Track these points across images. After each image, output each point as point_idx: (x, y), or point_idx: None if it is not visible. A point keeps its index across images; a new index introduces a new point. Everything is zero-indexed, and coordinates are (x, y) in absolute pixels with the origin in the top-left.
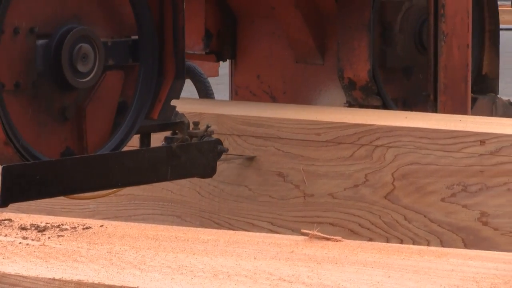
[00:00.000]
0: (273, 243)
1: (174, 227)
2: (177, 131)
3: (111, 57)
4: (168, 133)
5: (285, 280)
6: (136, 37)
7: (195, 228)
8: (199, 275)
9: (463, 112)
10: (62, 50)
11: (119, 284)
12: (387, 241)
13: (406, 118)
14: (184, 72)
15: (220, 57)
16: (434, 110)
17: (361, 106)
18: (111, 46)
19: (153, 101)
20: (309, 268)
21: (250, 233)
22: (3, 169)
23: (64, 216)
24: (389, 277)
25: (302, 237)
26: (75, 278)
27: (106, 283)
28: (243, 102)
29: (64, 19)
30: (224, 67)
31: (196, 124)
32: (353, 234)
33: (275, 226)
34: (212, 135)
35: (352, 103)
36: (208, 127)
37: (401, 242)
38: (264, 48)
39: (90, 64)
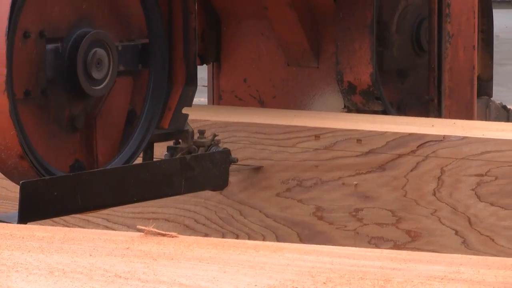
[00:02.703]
0: (109, 239)
1: (9, 224)
2: (180, 140)
3: (121, 63)
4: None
5: (121, 276)
6: (146, 40)
7: (30, 225)
8: (34, 272)
9: (469, 117)
10: (77, 56)
11: None
12: (223, 236)
13: (241, 113)
14: (196, 78)
15: (204, 60)
16: (438, 115)
17: (361, 111)
18: (121, 51)
19: (163, 109)
20: (145, 264)
21: (86, 230)
22: (21, 185)
23: None
24: (225, 272)
25: (138, 234)
26: None
27: None
28: None
29: (74, 22)
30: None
31: (201, 132)
32: (189, 229)
33: (110, 222)
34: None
35: (350, 108)
36: (215, 136)
37: (237, 237)
38: (251, 50)
39: (104, 70)
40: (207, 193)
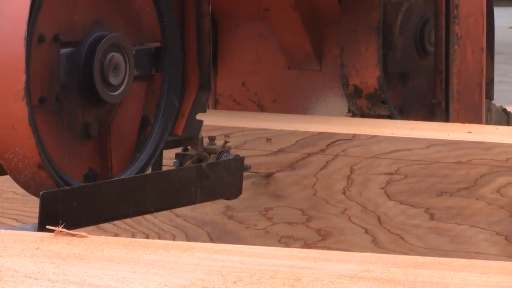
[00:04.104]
0: (18, 239)
1: None
2: (188, 147)
3: (136, 67)
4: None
5: (30, 277)
6: (159, 44)
7: None
8: None
9: (477, 120)
10: (94, 60)
11: None
12: (133, 236)
13: None
14: (210, 83)
15: None
16: (446, 119)
17: (366, 115)
18: (136, 55)
19: (176, 115)
20: (55, 265)
21: None
22: (41, 196)
23: None
24: (135, 272)
25: (48, 234)
26: None
27: None
28: None
29: (89, 25)
30: None
31: (212, 139)
32: (99, 229)
33: (20, 223)
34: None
35: (355, 113)
36: (226, 142)
37: (147, 236)
38: (249, 52)
39: (121, 76)
40: None
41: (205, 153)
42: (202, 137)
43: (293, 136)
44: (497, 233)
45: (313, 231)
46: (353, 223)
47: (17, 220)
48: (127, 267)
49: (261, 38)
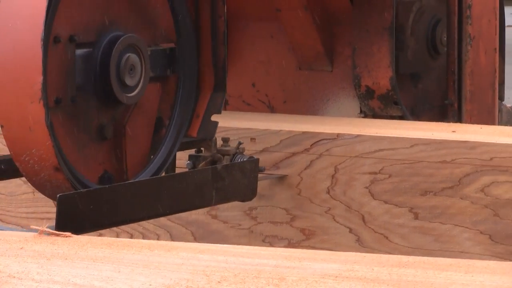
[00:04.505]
0: (2, 239)
1: None
2: (202, 149)
3: (151, 68)
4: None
5: (14, 277)
6: (173, 45)
7: None
8: None
9: (491, 121)
10: (110, 61)
11: None
12: (117, 236)
13: None
14: (225, 84)
15: None
16: (458, 119)
17: (378, 116)
18: (151, 56)
19: (191, 117)
20: (39, 265)
21: None
22: (59, 199)
23: None
24: (119, 272)
25: (32, 233)
26: None
27: None
28: None
29: (104, 26)
30: None
31: (225, 140)
32: None
33: (4, 223)
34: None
35: (367, 114)
36: (240, 143)
37: (131, 236)
38: (260, 53)
39: (137, 77)
40: None
41: (219, 155)
42: (216, 139)
43: (277, 135)
44: (481, 232)
45: (298, 231)
46: (337, 222)
47: (1, 220)
48: (111, 267)
49: (271, 38)
